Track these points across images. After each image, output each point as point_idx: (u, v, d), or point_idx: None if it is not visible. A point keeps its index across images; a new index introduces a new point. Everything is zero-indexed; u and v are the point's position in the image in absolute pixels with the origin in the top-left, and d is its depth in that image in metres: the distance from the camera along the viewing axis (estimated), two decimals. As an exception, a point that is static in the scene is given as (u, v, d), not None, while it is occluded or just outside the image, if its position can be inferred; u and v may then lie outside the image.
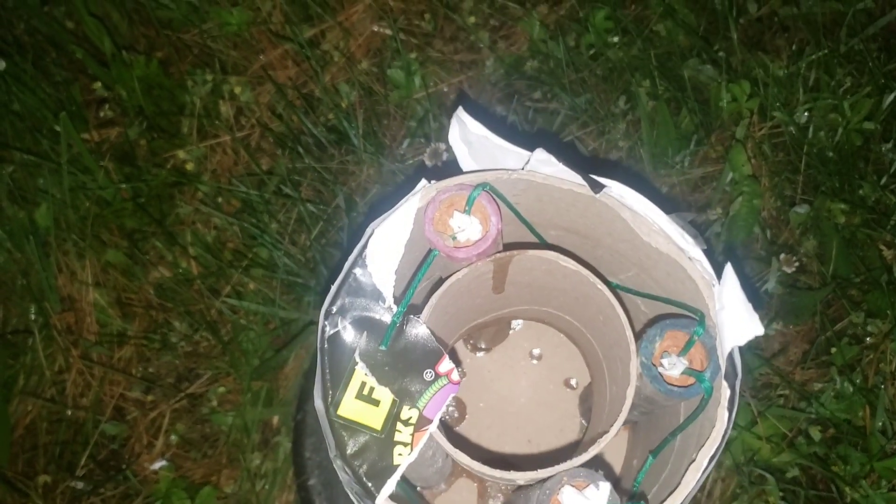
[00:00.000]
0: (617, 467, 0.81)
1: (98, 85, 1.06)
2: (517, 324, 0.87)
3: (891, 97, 1.01)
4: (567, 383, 0.86)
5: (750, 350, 0.94)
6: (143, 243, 1.03)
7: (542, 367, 0.86)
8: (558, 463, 0.53)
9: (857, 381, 0.92)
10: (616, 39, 1.05)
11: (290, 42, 1.08)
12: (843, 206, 0.98)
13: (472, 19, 1.09)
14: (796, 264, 0.94)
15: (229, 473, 0.98)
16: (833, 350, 0.94)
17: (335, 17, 1.09)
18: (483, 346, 0.87)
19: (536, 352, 0.86)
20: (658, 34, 1.07)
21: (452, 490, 0.83)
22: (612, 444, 0.83)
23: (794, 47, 1.07)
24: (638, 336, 0.55)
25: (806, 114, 1.00)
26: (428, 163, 0.96)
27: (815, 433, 0.91)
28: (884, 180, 1.00)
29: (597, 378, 0.73)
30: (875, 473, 0.90)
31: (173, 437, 0.97)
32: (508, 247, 0.58)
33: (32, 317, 1.00)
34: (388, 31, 1.08)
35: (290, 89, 1.07)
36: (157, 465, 0.96)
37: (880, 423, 0.90)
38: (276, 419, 1.00)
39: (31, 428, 0.98)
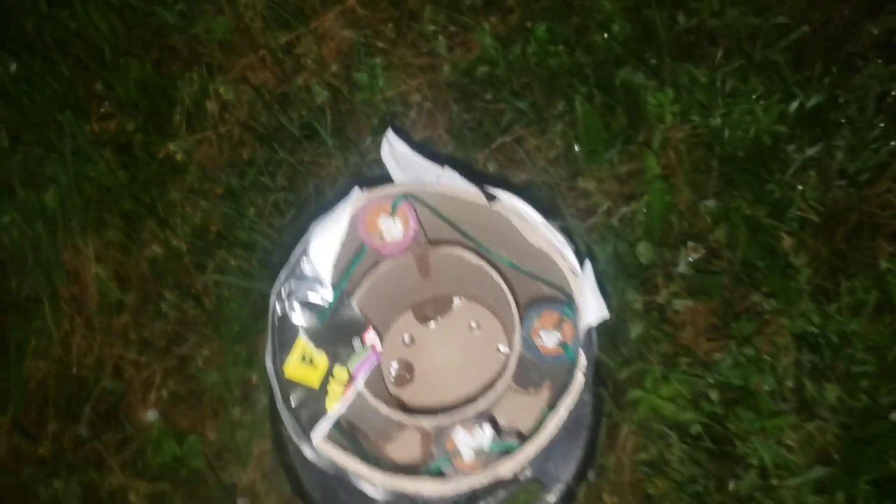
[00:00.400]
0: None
1: (99, 84, 1.20)
2: (456, 303, 1.01)
3: (796, 103, 1.15)
4: (497, 349, 1.01)
5: (659, 324, 1.08)
6: (139, 224, 1.17)
7: (478, 336, 1.01)
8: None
9: (751, 352, 1.07)
10: (558, 48, 1.19)
11: (268, 48, 1.22)
12: (750, 199, 1.12)
13: (431, 27, 1.22)
14: (703, 251, 1.08)
15: (213, 424, 1.13)
16: (733, 325, 1.09)
17: (308, 24, 1.22)
18: (430, 317, 1.01)
19: (474, 324, 1.01)
20: (596, 43, 1.20)
21: (400, 439, 0.98)
22: (538, 401, 0.99)
23: (720, 56, 1.20)
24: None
25: (720, 118, 1.14)
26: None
27: (715, 395, 1.06)
28: (787, 177, 1.14)
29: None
30: (765, 431, 1.05)
31: (164, 392, 1.13)
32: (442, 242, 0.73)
33: (43, 287, 1.15)
34: (356, 37, 1.22)
35: (268, 90, 1.21)
36: (150, 416, 1.11)
37: (767, 388, 1.05)
38: (254, 377, 1.15)
39: (41, 383, 1.14)
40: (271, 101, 1.20)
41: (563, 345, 0.67)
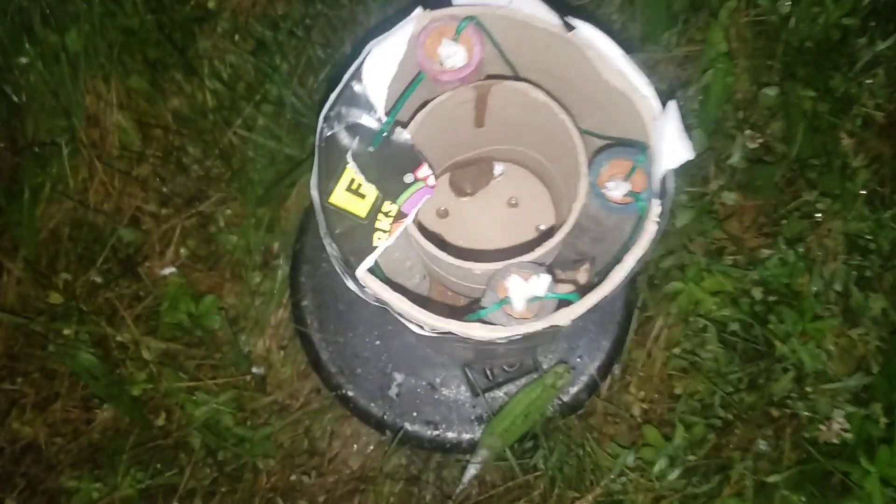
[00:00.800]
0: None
1: (129, -83, 1.13)
2: (499, 172, 0.96)
3: (872, -6, 1.08)
4: (537, 229, 0.96)
5: (707, 214, 1.03)
6: (165, 73, 1.11)
7: (517, 213, 0.96)
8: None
9: (801, 250, 1.02)
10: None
11: None
12: (812, 94, 1.06)
13: None
14: (759, 141, 1.02)
15: (231, 287, 1.09)
16: (783, 222, 1.04)
17: None
18: (467, 191, 0.96)
19: (514, 199, 0.96)
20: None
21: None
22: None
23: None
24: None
25: (789, 5, 1.07)
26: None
27: (758, 293, 1.02)
28: (854, 72, 1.07)
29: (560, 216, 0.83)
30: (805, 334, 1.01)
31: (183, 251, 1.08)
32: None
33: (62, 130, 1.09)
34: None
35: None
36: (167, 270, 1.06)
37: (815, 289, 1.01)
38: (276, 245, 1.10)
39: (54, 232, 1.09)
40: (311, -48, 1.13)
41: (634, 194, 0.61)
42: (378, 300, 0.61)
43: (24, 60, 1.13)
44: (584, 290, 0.65)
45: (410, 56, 0.64)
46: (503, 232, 0.96)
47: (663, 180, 0.60)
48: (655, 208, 0.60)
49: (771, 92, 1.04)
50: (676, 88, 1.08)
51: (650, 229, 0.60)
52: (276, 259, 1.10)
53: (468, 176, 0.93)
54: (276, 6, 1.12)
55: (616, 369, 1.05)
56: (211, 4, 1.11)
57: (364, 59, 0.63)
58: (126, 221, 1.07)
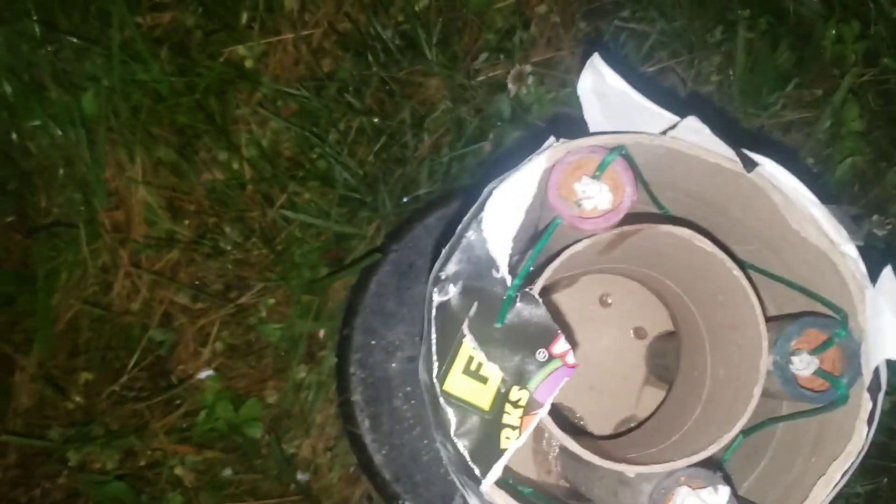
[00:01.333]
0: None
1: (154, -35, 0.98)
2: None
3: None
4: (636, 332, 0.82)
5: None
6: (196, 141, 0.97)
7: (611, 313, 0.83)
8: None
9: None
10: (718, -41, 0.97)
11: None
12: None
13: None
14: (888, 227, 0.89)
15: (274, 384, 0.96)
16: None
17: None
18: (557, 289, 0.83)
19: (608, 297, 0.82)
20: (764, -44, 0.98)
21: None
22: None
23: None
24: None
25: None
26: (511, 86, 0.89)
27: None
28: None
29: (689, 344, 0.69)
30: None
31: (219, 346, 0.95)
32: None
33: (80, 209, 0.95)
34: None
35: (361, -15, 0.99)
36: (204, 374, 0.93)
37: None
38: (322, 332, 0.97)
39: (72, 324, 0.96)
40: (364, 1, 0.98)
41: (826, 376, 0.48)
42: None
43: (35, 123, 0.99)
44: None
45: (539, 196, 0.50)
46: (596, 333, 0.83)
47: (876, 370, 0.47)
48: (866, 404, 0.46)
49: (901, 170, 0.90)
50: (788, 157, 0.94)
51: (860, 431, 0.46)
52: (323, 349, 0.97)
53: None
54: (321, 63, 0.97)
55: None
56: (248, 63, 0.97)
57: (482, 203, 0.49)
58: (157, 319, 0.93)
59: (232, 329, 0.95)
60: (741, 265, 0.51)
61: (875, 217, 0.88)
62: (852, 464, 0.46)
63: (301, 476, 0.96)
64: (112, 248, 0.93)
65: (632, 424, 0.83)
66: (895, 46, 0.93)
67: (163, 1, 1.00)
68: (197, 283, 0.95)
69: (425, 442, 0.91)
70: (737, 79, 0.94)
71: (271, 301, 0.96)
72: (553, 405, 0.50)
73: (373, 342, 0.95)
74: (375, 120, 0.95)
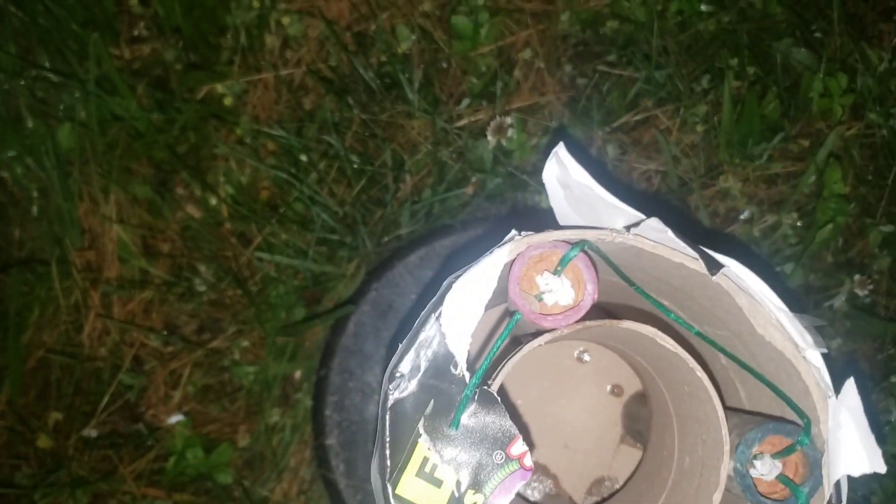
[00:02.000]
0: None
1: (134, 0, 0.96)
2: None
3: None
4: (613, 390, 0.81)
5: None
6: (173, 178, 0.96)
7: (587, 369, 0.81)
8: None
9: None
10: (706, 8, 0.95)
11: (347, -30, 0.98)
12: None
13: (549, -35, 0.98)
14: (870, 287, 0.87)
15: (247, 428, 0.94)
16: (893, 379, 0.89)
17: (399, -53, 0.98)
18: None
19: (585, 354, 0.81)
20: (753, 5, 0.96)
21: None
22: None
23: (898, 35, 0.97)
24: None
25: (904, 117, 0.92)
26: (490, 138, 0.88)
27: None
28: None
29: (659, 422, 0.68)
30: None
31: (191, 389, 0.93)
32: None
33: (52, 246, 0.94)
34: (456, -31, 0.98)
35: (342, 26, 0.97)
36: (174, 418, 0.92)
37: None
38: (297, 374, 0.96)
39: (44, 362, 0.94)
40: (346, 42, 0.96)
41: (788, 483, 0.47)
42: None
43: (10, 154, 0.98)
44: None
45: (499, 290, 0.49)
46: (572, 390, 0.81)
47: (836, 485, 0.45)
48: (828, 522, 0.45)
49: (885, 229, 0.89)
50: (767, 210, 0.93)
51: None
52: (298, 391, 0.96)
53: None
54: (302, 102, 0.96)
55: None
56: (227, 101, 0.95)
57: (441, 297, 0.48)
58: (127, 363, 0.92)
59: (205, 370, 0.94)
60: (714, 345, 0.50)
61: (857, 277, 0.87)
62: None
63: (273, 520, 0.95)
64: (83, 288, 0.92)
65: (606, 483, 0.82)
66: (881, 101, 0.92)
67: (142, 35, 0.98)
68: (169, 325, 0.94)
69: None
70: (723, 129, 0.92)
71: (245, 343, 0.94)
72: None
73: (350, 384, 0.93)
74: (356, 161, 0.94)
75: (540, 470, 0.82)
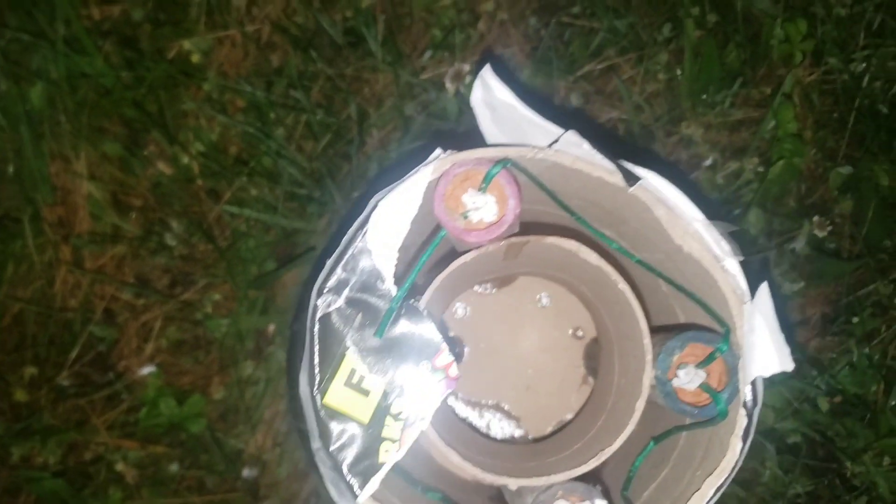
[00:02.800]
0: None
1: (101, -42, 0.98)
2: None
3: (959, 51, 0.93)
4: (574, 333, 0.82)
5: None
6: (143, 136, 0.97)
7: (548, 313, 0.83)
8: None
9: (876, 355, 0.88)
10: (668, -43, 0.95)
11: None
12: (888, 168, 0.91)
13: (512, -82, 0.99)
14: (829, 228, 0.88)
15: (220, 380, 0.96)
16: (855, 319, 0.90)
17: None
18: (490, 287, 0.83)
19: (545, 298, 0.82)
20: (714, -46, 0.97)
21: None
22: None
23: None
24: (654, 329, 0.51)
25: (863, 62, 0.92)
26: (449, 85, 0.89)
27: (823, 403, 0.88)
28: (936, 142, 0.93)
29: (606, 349, 0.69)
30: (882, 452, 0.88)
31: (163, 342, 0.95)
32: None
33: (22, 204, 0.95)
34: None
35: (308, -19, 0.98)
36: (146, 370, 0.93)
37: (894, 402, 0.87)
38: (271, 327, 0.97)
39: (18, 318, 0.96)
40: (311, -3, 0.98)
41: (710, 390, 0.48)
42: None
43: (-17, 115, 0.99)
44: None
45: (425, 205, 0.50)
46: (534, 334, 0.83)
47: (752, 386, 0.47)
48: (741, 420, 0.46)
49: (843, 171, 0.89)
50: (730, 156, 0.93)
51: (734, 447, 0.46)
52: (271, 344, 0.97)
53: (491, 280, 0.80)
54: (270, 59, 0.97)
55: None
56: (195, 58, 0.97)
57: (368, 215, 0.49)
58: (98, 316, 0.93)
59: (177, 325, 0.95)
60: (651, 270, 0.51)
61: (816, 218, 0.88)
62: (726, 479, 0.46)
63: (248, 472, 0.96)
64: (55, 242, 0.93)
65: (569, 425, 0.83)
66: (842, 46, 0.92)
67: (111, -6, 1.00)
68: (141, 279, 0.95)
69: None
70: (685, 77, 0.93)
71: (217, 297, 0.96)
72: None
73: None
74: (321, 116, 0.95)
75: (502, 412, 0.83)
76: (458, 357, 0.82)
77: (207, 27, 0.97)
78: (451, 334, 0.81)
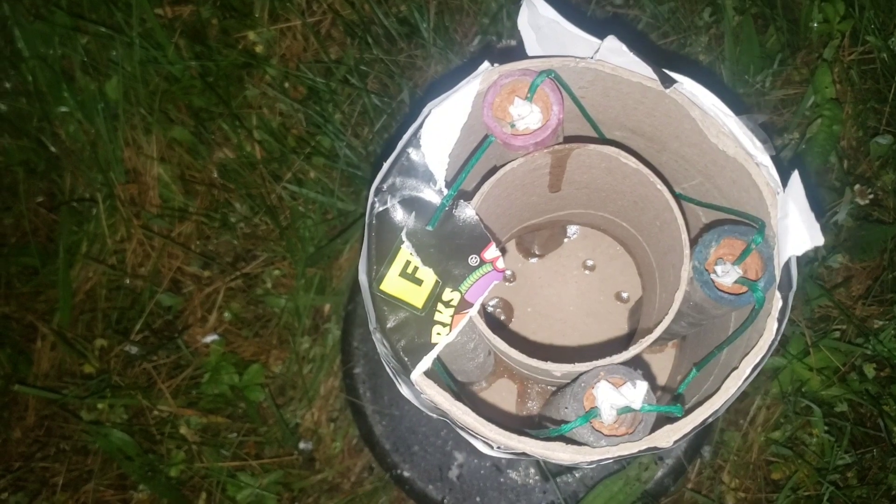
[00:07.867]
0: (662, 381, 0.81)
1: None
2: (573, 232, 0.85)
3: None
4: (618, 296, 0.85)
5: (811, 280, 0.91)
6: (210, 123, 1.03)
7: (593, 278, 0.85)
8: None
9: (921, 321, 0.89)
10: (707, -55, 1.00)
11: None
12: (930, 141, 0.93)
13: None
14: (870, 196, 0.90)
15: (278, 354, 1.00)
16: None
17: None
18: (536, 252, 0.86)
19: (590, 262, 0.85)
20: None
21: (493, 389, 0.83)
22: (659, 359, 0.83)
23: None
24: (694, 242, 0.54)
25: (902, 39, 0.95)
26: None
27: (870, 370, 0.89)
28: (977, 117, 0.94)
29: (648, 288, 0.72)
30: (927, 417, 0.88)
31: (227, 314, 0.99)
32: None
33: (98, 186, 1.02)
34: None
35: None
36: (209, 338, 0.98)
37: (940, 367, 0.88)
38: (327, 307, 1.01)
39: (91, 293, 1.01)
40: (367, -9, 1.04)
41: (746, 282, 0.50)
42: (436, 410, 0.51)
43: (63, 110, 1.06)
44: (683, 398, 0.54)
45: (476, 117, 0.54)
46: (579, 298, 0.85)
47: (786, 267, 0.49)
48: (777, 303, 0.49)
49: (883, 141, 0.91)
50: (772, 135, 0.96)
51: (770, 328, 0.49)
52: (327, 322, 1.01)
53: (538, 237, 0.83)
54: (329, 51, 1.03)
55: (706, 451, 0.93)
56: (259, 49, 1.03)
57: (422, 122, 0.53)
58: (165, 285, 0.99)
59: (239, 299, 1.00)
60: (670, 188, 0.54)
61: (857, 186, 0.90)
62: (762, 357, 0.48)
63: (304, 445, 0.99)
64: (127, 219, 0.99)
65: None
66: (878, 23, 0.95)
67: (183, -5, 1.07)
68: (206, 254, 1.01)
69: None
70: (726, 59, 0.97)
71: (277, 272, 1.00)
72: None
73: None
74: (377, 101, 1.00)
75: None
76: (507, 321, 0.85)
77: (270, 19, 1.03)
78: (498, 299, 0.84)
